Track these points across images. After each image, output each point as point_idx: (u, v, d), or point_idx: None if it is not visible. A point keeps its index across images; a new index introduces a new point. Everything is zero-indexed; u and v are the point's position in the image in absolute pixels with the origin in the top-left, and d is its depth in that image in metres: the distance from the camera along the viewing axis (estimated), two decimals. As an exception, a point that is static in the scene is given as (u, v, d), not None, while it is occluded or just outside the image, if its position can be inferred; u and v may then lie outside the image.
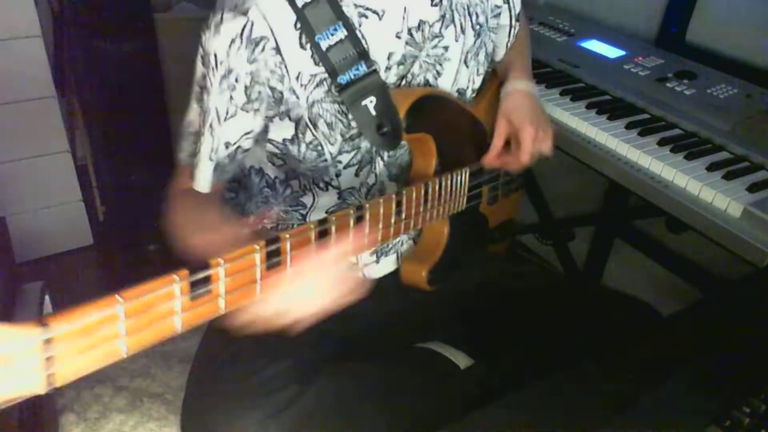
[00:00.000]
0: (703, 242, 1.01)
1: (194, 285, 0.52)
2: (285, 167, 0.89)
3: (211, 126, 0.78)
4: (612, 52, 1.40)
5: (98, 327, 0.45)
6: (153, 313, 0.49)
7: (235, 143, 0.80)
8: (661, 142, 1.10)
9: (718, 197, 0.98)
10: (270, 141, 0.84)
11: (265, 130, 0.83)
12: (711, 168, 1.04)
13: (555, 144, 1.22)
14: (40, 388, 0.43)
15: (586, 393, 0.60)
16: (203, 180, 0.82)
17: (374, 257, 0.94)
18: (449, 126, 0.90)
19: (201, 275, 0.52)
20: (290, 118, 0.81)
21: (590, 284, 1.50)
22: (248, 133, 0.80)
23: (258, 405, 0.75)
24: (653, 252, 1.66)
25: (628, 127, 1.16)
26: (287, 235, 0.59)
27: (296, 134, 0.82)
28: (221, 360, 0.82)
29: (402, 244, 0.96)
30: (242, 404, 0.76)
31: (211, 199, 0.83)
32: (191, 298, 0.52)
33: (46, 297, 1.38)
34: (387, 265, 0.96)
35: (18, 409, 1.11)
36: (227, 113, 0.78)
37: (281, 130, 0.82)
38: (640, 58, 1.35)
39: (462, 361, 0.93)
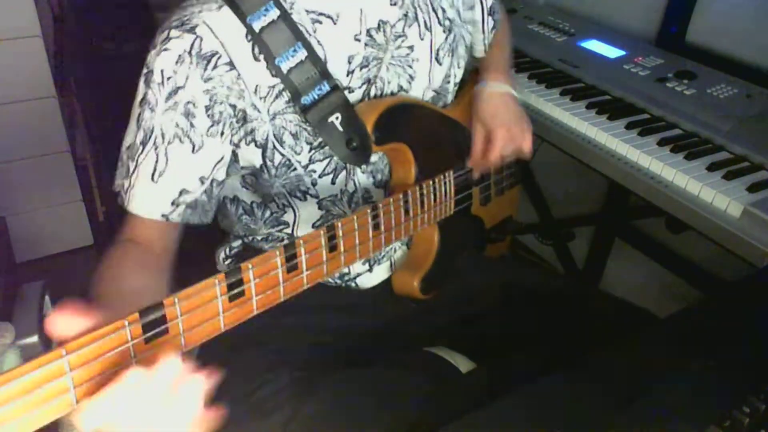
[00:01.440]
0: (703, 242, 1.01)
1: (147, 327, 0.48)
2: (258, 192, 0.88)
3: (156, 146, 0.73)
4: (612, 52, 1.40)
5: (43, 383, 0.42)
6: (104, 361, 0.45)
7: (209, 176, 0.77)
8: (661, 142, 1.10)
9: (718, 197, 0.98)
10: (242, 168, 0.82)
11: (236, 158, 0.80)
12: (711, 168, 1.04)
13: (555, 145, 1.23)
14: None
15: (586, 394, 0.60)
16: (143, 202, 0.75)
17: (367, 266, 0.93)
18: (425, 132, 0.88)
19: (153, 316, 0.49)
20: (256, 144, 0.78)
21: (590, 288, 1.50)
22: (219, 161, 0.77)
23: (260, 426, 0.74)
24: (653, 252, 1.66)
25: (628, 127, 1.16)
26: (249, 266, 0.56)
27: (264, 162, 0.80)
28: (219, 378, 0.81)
29: (395, 251, 0.95)
30: (243, 426, 0.74)
31: (158, 264, 0.74)
32: (145, 340, 0.48)
33: (46, 297, 1.38)
34: (380, 273, 0.94)
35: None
36: (193, 146, 0.74)
37: (249, 157, 0.80)
38: (640, 58, 1.35)
39: (463, 364, 0.92)
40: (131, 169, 0.76)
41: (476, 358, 0.94)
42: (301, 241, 0.62)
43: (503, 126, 0.94)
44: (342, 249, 0.68)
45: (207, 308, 0.54)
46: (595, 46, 1.43)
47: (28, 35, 1.63)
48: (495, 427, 0.57)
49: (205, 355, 0.87)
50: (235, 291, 0.56)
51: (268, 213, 0.89)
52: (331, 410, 0.76)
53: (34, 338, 1.23)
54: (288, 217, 0.88)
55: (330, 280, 0.94)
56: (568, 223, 1.88)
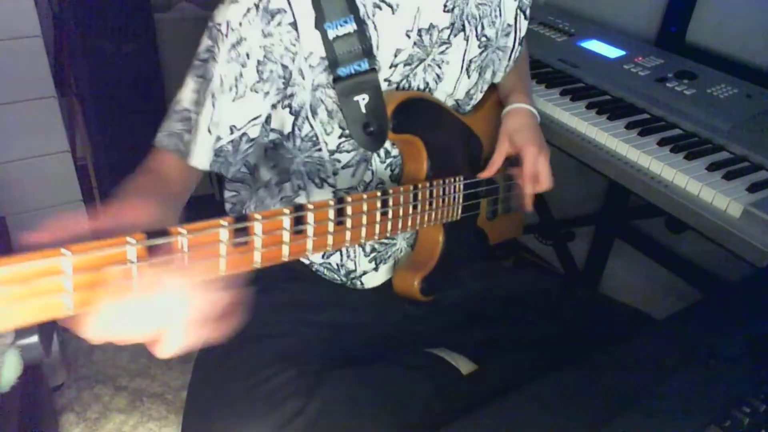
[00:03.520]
0: (703, 242, 1.01)
1: (152, 251, 0.49)
2: (277, 168, 0.88)
3: (213, 95, 0.75)
4: (612, 52, 1.40)
5: (40, 277, 0.42)
6: (104, 273, 0.46)
7: (241, 128, 0.77)
8: (661, 142, 1.10)
9: (718, 197, 0.98)
10: (271, 131, 0.83)
11: (268, 120, 0.81)
12: (711, 168, 1.04)
13: (555, 145, 1.23)
14: None
15: (586, 394, 0.60)
16: (201, 154, 0.77)
17: (373, 264, 0.93)
18: (441, 132, 0.88)
19: (159, 241, 0.49)
20: (291, 110, 0.80)
21: (589, 289, 1.50)
22: (256, 118, 0.78)
23: (265, 418, 0.74)
24: (653, 252, 1.66)
25: (628, 127, 1.16)
26: (258, 217, 0.57)
27: (293, 129, 0.81)
28: (224, 370, 0.81)
29: (400, 252, 0.95)
30: (248, 417, 0.74)
31: (172, 194, 0.75)
32: (149, 265, 0.49)
33: (46, 297, 1.38)
34: (385, 273, 0.95)
35: (18, 408, 1.11)
36: (236, 93, 0.75)
37: (280, 121, 0.81)
38: (640, 58, 1.35)
39: (464, 366, 0.92)
40: (192, 123, 0.78)
41: (477, 360, 0.94)
42: (311, 206, 0.63)
43: (534, 144, 0.94)
44: (349, 225, 0.69)
45: (210, 248, 0.54)
46: (595, 46, 1.43)
47: (28, 35, 1.63)
48: (496, 429, 0.57)
49: (213, 345, 0.87)
50: (240, 240, 0.56)
51: (283, 192, 0.90)
52: (336, 406, 0.76)
53: (34, 338, 1.23)
54: (301, 199, 0.89)
55: (336, 277, 0.94)
56: (568, 223, 1.88)
